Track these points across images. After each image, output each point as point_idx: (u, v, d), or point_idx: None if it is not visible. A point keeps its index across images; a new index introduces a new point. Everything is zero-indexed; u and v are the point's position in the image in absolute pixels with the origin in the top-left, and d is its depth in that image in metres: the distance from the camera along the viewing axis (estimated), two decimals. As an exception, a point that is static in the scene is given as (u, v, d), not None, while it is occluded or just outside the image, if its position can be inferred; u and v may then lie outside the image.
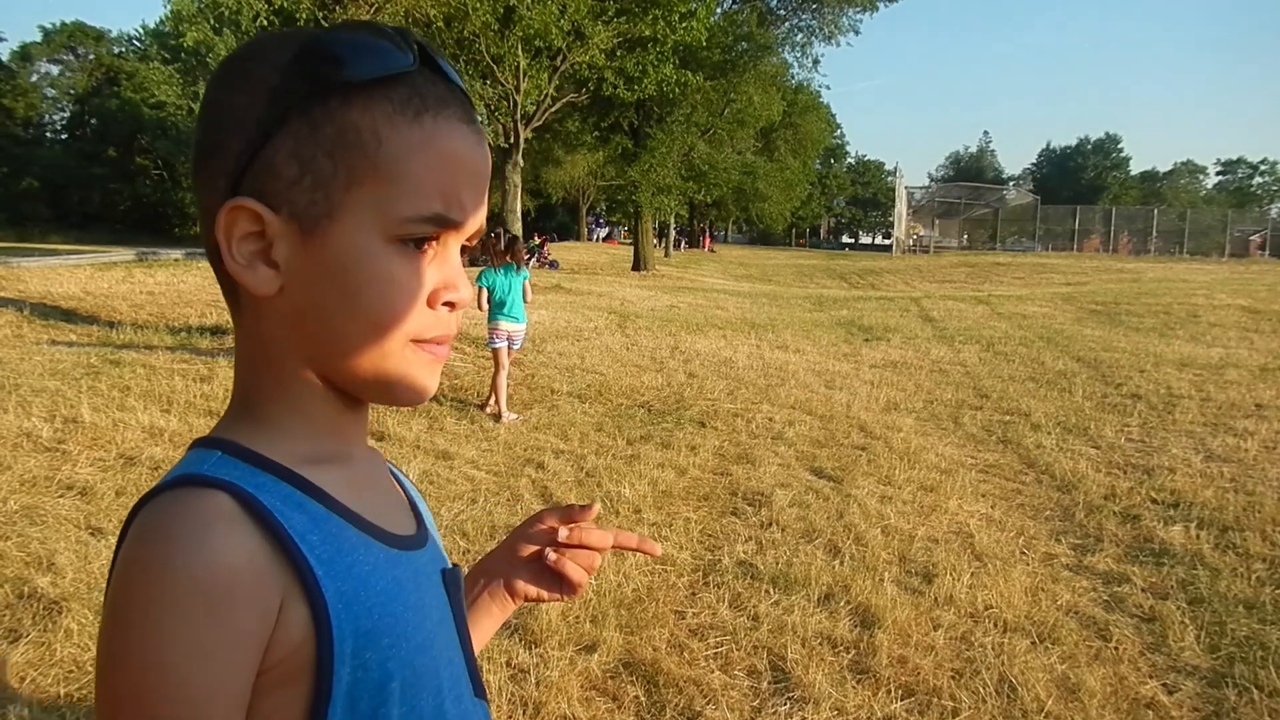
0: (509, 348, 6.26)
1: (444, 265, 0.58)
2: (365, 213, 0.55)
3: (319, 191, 0.54)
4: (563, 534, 0.78)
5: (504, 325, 6.20)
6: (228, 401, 0.61)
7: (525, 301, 6.39)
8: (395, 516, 0.64)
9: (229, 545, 0.49)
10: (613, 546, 0.80)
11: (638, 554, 3.67)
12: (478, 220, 0.59)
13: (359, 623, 0.53)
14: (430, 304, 0.58)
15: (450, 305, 0.59)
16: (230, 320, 0.62)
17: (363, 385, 0.59)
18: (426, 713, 0.58)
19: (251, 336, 0.58)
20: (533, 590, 0.79)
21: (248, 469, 0.54)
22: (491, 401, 6.34)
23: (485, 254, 6.47)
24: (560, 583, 0.78)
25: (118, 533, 0.53)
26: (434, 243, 0.57)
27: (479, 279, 6.26)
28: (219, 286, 0.59)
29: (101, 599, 0.52)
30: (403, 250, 0.56)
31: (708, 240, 47.69)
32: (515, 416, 6.11)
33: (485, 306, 6.23)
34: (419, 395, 0.60)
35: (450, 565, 0.68)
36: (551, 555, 0.77)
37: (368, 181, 0.54)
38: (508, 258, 6.31)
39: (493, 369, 6.31)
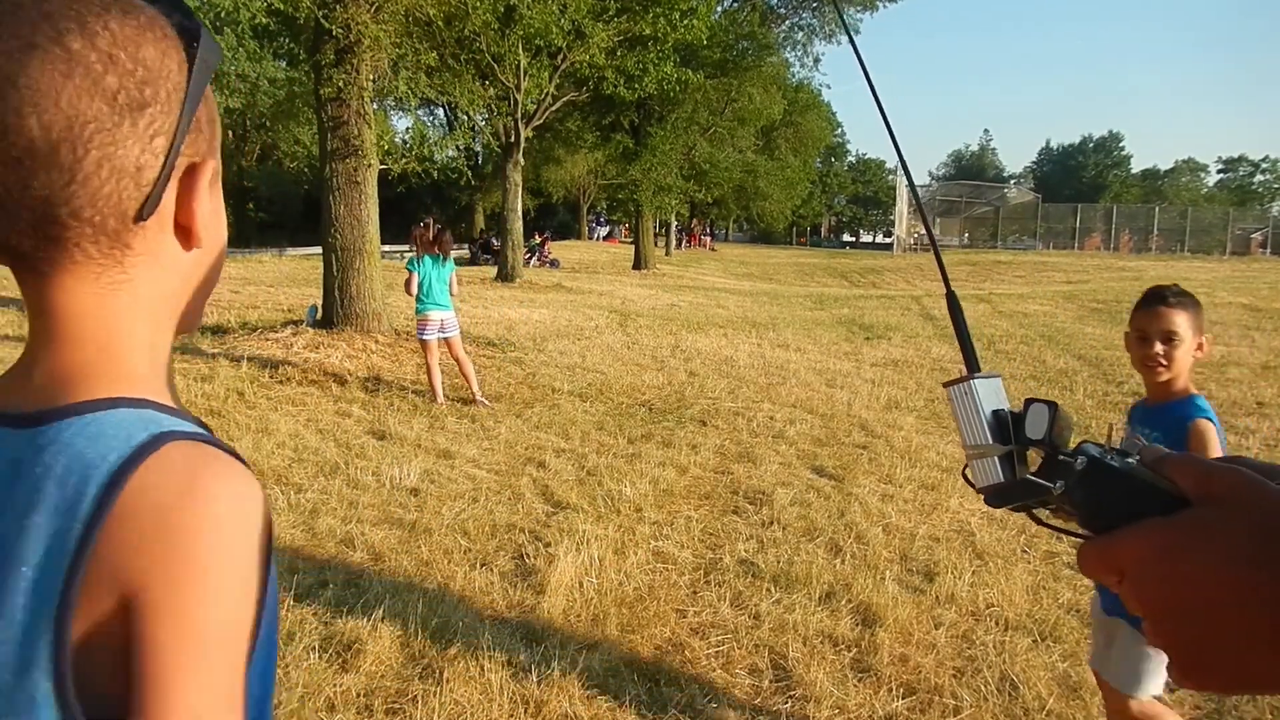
0: (443, 337, 6.34)
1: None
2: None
3: (214, 149, 0.62)
4: None
5: (433, 315, 6.29)
6: (38, 356, 0.58)
7: (452, 294, 6.45)
8: None
9: (250, 480, 0.57)
10: None
11: (639, 552, 3.68)
12: None
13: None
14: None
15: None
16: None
17: (201, 308, 0.66)
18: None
19: (149, 286, 0.59)
20: None
21: (196, 425, 0.59)
22: (479, 396, 6.36)
23: (413, 243, 6.50)
24: None
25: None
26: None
27: (409, 265, 6.30)
28: (64, 248, 0.56)
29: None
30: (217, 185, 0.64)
31: (696, 238, 47.60)
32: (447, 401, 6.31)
33: (414, 292, 6.27)
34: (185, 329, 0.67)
35: None
36: None
37: (217, 146, 0.63)
38: (435, 248, 6.35)
39: (427, 363, 6.39)
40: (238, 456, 0.58)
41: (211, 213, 0.61)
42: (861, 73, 0.77)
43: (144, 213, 0.56)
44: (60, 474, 0.52)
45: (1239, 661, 0.44)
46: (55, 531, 0.51)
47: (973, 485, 0.60)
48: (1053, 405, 0.56)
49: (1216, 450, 1.97)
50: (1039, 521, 0.59)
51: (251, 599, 0.56)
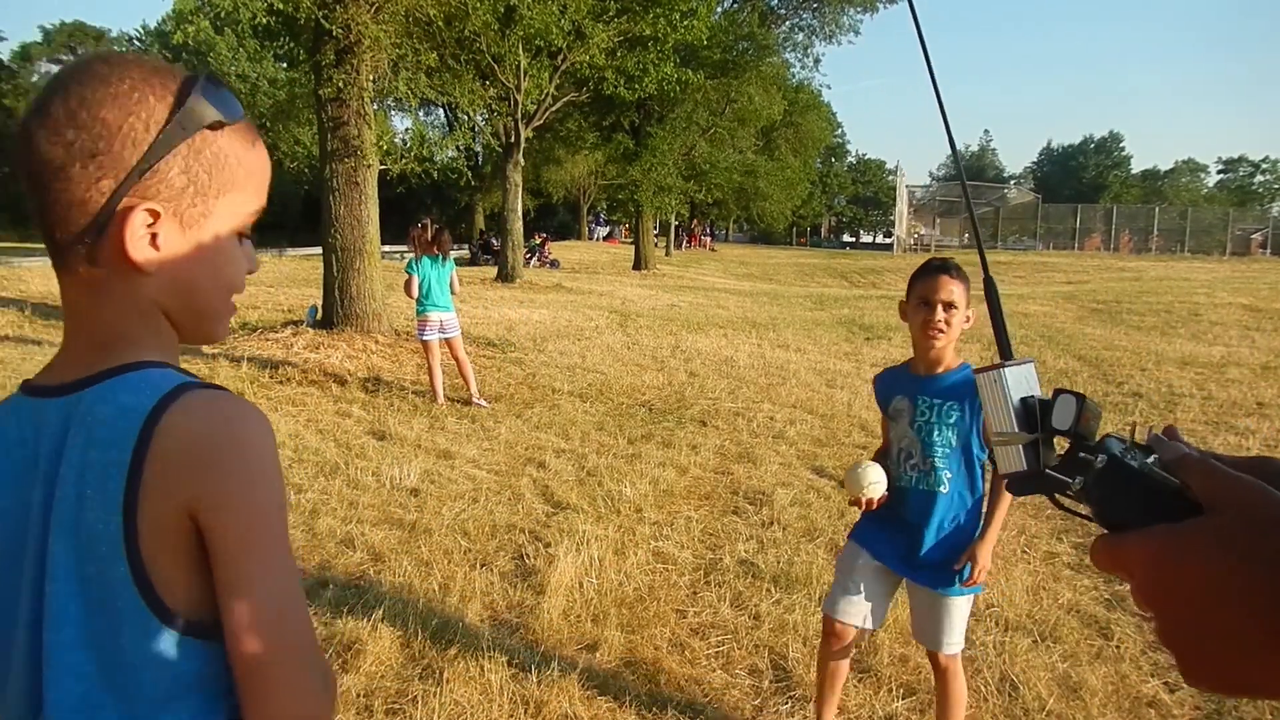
0: (444, 338, 6.34)
1: (247, 245, 0.84)
2: (227, 213, 0.78)
3: (199, 198, 0.76)
4: None
5: (433, 315, 6.29)
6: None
7: (453, 293, 6.45)
8: None
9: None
10: None
11: (639, 553, 3.68)
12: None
13: None
14: (247, 276, 0.85)
15: (250, 271, 0.85)
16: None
17: (198, 327, 0.82)
18: None
19: (125, 293, 0.75)
20: None
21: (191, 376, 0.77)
22: (476, 398, 6.36)
23: (410, 244, 6.43)
24: None
25: None
26: (243, 235, 0.83)
27: (408, 267, 6.28)
28: (58, 255, 0.75)
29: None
30: (238, 238, 0.81)
31: (696, 238, 47.52)
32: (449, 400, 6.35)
33: (415, 294, 6.25)
34: (218, 338, 0.86)
35: None
36: None
37: (230, 191, 0.78)
38: (434, 248, 6.32)
39: (428, 363, 6.41)
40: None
41: (186, 251, 0.76)
42: (917, 39, 0.76)
43: (87, 237, 0.72)
44: (108, 418, 0.71)
45: (1236, 665, 0.46)
46: (108, 460, 0.69)
47: (994, 464, 0.61)
48: (1080, 397, 0.57)
49: None
50: (1059, 505, 0.59)
51: (284, 497, 0.74)
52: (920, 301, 2.16)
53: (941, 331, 2.12)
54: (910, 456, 2.18)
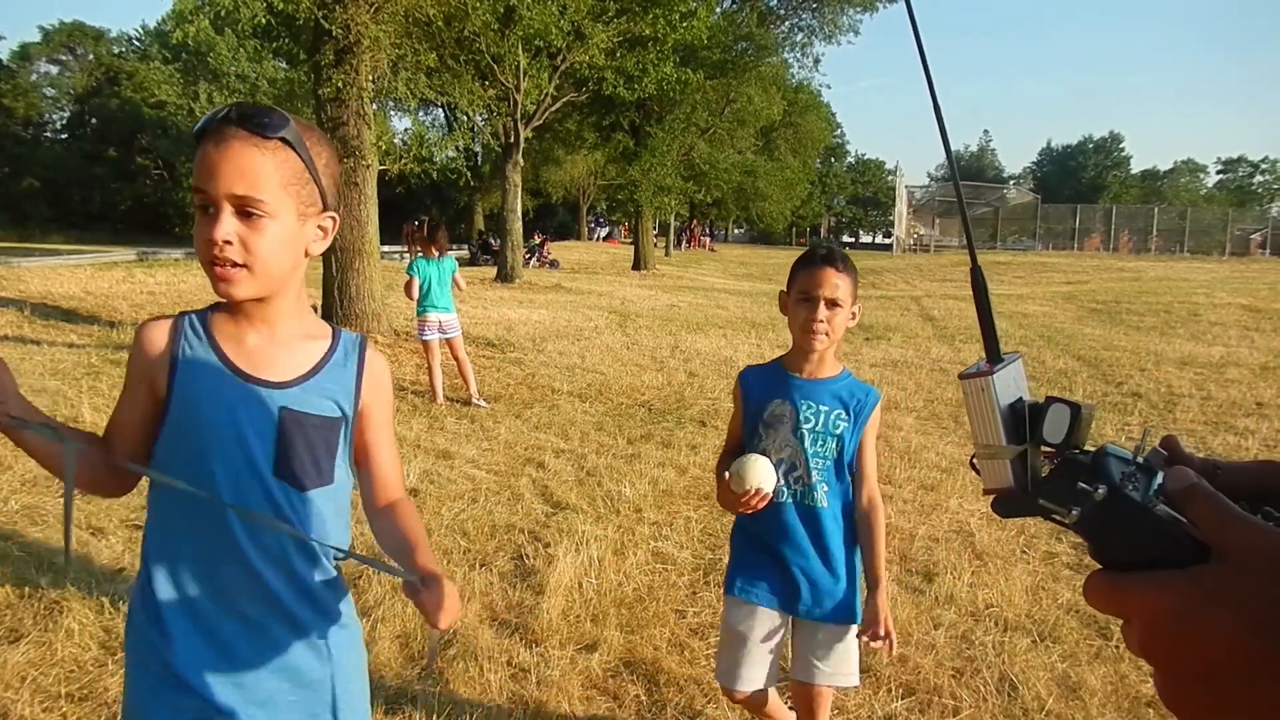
0: (445, 338, 6.32)
1: (213, 221, 1.11)
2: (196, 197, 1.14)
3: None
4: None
5: (433, 315, 6.26)
6: None
7: (460, 290, 6.43)
8: (274, 369, 1.21)
9: (152, 329, 1.21)
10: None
11: (638, 553, 3.68)
12: (218, 188, 1.10)
13: (185, 392, 1.18)
14: (210, 244, 1.11)
15: (213, 244, 1.11)
16: None
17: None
18: (213, 452, 1.17)
19: None
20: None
21: (197, 318, 1.22)
22: (475, 398, 6.36)
23: (407, 243, 6.32)
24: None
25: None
26: (209, 209, 1.12)
27: (409, 268, 6.24)
28: None
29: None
30: (201, 214, 1.13)
31: (695, 239, 47.49)
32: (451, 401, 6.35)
33: (415, 295, 6.20)
34: (218, 293, 1.16)
35: (292, 408, 1.23)
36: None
37: (196, 179, 1.13)
38: (431, 247, 6.26)
39: (428, 363, 6.40)
40: (194, 316, 1.22)
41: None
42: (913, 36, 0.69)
43: None
44: None
45: None
46: None
47: (977, 472, 0.56)
48: (1075, 407, 0.52)
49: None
50: (1049, 519, 0.55)
51: (127, 378, 1.22)
52: (801, 296, 1.90)
53: (824, 333, 1.88)
54: (794, 468, 1.93)
